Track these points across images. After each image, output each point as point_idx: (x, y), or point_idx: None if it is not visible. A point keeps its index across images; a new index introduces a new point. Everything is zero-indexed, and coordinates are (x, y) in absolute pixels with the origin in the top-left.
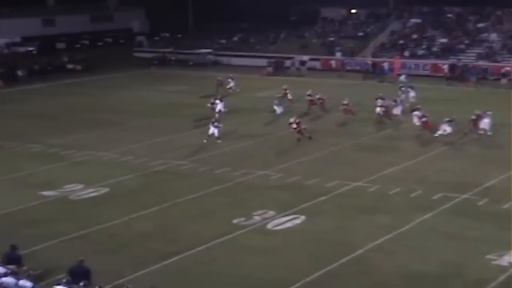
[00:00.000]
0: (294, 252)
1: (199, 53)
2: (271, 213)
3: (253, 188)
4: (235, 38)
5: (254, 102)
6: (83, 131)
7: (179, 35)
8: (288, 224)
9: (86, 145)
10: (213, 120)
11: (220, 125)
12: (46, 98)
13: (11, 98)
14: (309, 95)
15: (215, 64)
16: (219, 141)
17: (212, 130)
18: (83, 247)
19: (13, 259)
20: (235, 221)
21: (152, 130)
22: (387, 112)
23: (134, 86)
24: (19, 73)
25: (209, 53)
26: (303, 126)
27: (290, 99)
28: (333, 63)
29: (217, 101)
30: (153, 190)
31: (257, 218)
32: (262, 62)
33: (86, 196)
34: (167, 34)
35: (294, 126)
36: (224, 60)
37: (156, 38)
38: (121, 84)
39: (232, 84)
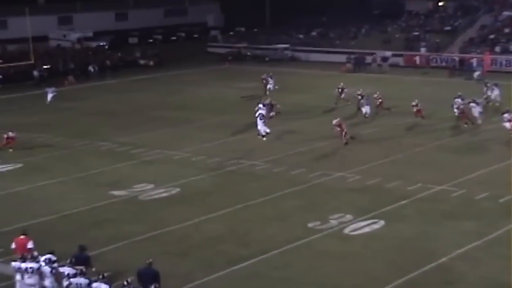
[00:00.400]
0: (372, 259)
1: (275, 49)
2: (348, 217)
3: (330, 190)
4: (314, 33)
5: (332, 100)
6: (154, 128)
7: (255, 30)
8: (366, 229)
9: (157, 143)
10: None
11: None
12: (117, 95)
13: (82, 95)
14: (359, 94)
15: (293, 60)
16: (264, 138)
17: (261, 126)
18: (152, 249)
19: (82, 260)
20: (310, 224)
21: (224, 128)
22: (464, 113)
23: (207, 83)
24: (91, 68)
25: (286, 49)
26: (345, 128)
27: (343, 98)
28: (417, 59)
29: (260, 105)
30: (226, 191)
31: (333, 222)
32: (342, 58)
33: (156, 196)
34: (243, 29)
35: (338, 128)
36: (302, 56)
37: (231, 32)
38: (194, 80)
39: (270, 84)
